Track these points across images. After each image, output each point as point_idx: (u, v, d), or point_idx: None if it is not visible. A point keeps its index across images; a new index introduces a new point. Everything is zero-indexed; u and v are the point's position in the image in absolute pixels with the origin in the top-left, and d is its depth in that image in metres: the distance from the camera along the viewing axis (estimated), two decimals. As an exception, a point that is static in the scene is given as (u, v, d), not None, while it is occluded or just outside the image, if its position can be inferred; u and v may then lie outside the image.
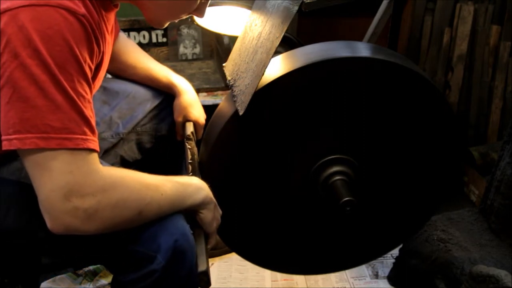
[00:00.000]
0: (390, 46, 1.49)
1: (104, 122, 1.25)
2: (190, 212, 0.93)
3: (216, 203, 0.97)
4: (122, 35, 1.30)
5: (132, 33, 2.13)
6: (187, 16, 1.00)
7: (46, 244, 0.93)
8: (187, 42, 2.22)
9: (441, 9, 1.85)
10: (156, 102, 1.31)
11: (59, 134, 0.75)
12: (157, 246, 0.88)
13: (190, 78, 2.07)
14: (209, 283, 0.87)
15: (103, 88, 1.27)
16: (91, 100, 0.81)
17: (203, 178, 1.02)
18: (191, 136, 1.21)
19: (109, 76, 1.41)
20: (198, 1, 0.95)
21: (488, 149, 1.77)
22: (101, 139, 1.24)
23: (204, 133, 1.07)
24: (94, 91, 1.00)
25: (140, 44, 2.17)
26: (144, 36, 2.16)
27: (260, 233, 1.10)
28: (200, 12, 0.99)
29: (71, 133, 0.76)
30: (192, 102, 1.30)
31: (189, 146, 1.16)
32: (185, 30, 2.19)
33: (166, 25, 1.01)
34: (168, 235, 0.88)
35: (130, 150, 1.30)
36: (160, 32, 2.17)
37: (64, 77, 0.75)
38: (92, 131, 0.79)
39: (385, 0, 1.64)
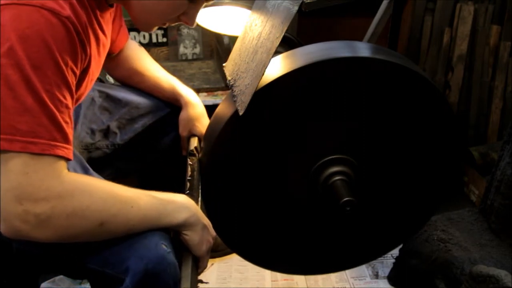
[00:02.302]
0: (390, 46, 1.50)
1: (100, 131, 1.23)
2: (175, 233, 0.90)
3: (208, 224, 0.93)
4: (132, 42, 1.28)
5: (132, 33, 2.13)
6: (177, 23, 0.97)
7: (20, 255, 0.90)
8: (187, 42, 2.22)
9: (441, 9, 1.85)
10: (160, 114, 1.28)
11: (24, 137, 0.72)
12: (125, 268, 0.83)
13: (190, 78, 2.07)
14: None
15: (106, 95, 1.25)
16: (70, 106, 0.79)
17: (204, 178, 1.02)
18: (194, 152, 1.17)
19: (111, 80, 1.40)
20: (186, 6, 0.92)
21: (488, 149, 1.77)
22: (95, 149, 1.23)
23: (204, 133, 1.07)
24: (85, 93, 0.98)
25: (140, 44, 2.17)
26: (144, 36, 2.16)
27: (260, 233, 1.10)
28: (190, 19, 0.95)
29: (37, 137, 0.73)
30: (198, 116, 1.26)
31: (190, 162, 1.12)
32: (185, 30, 2.19)
33: (154, 29, 0.98)
34: (137, 257, 0.83)
35: (128, 161, 1.28)
36: (160, 32, 2.17)
37: (39, 79, 0.73)
38: (64, 138, 0.76)
39: (385, 0, 1.64)
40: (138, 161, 1.29)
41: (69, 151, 0.77)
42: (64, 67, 0.76)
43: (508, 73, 1.83)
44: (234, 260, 1.59)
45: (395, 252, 1.43)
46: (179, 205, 0.89)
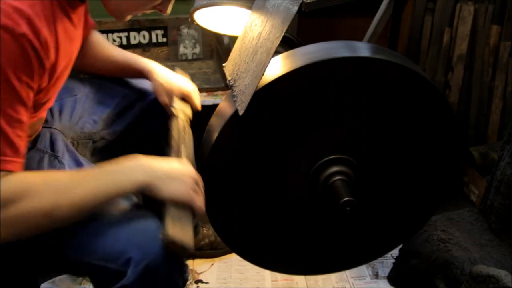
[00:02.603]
0: (390, 46, 1.49)
1: (102, 120, 1.25)
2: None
3: (177, 171, 0.91)
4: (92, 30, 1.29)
5: (132, 33, 2.13)
6: (152, 11, 0.99)
7: (17, 253, 0.93)
8: (187, 42, 2.22)
9: (441, 9, 1.85)
10: (151, 98, 1.31)
11: None
12: (126, 261, 0.85)
13: (190, 78, 2.07)
14: (185, 250, 0.84)
15: (96, 89, 1.28)
16: (24, 120, 0.80)
17: (204, 179, 1.02)
18: (178, 113, 1.21)
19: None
20: None
21: (488, 149, 1.77)
22: (100, 138, 1.25)
23: (204, 133, 1.07)
24: (56, 89, 1.00)
25: (140, 44, 2.17)
26: (144, 36, 2.16)
27: (260, 234, 1.10)
28: (164, 8, 0.99)
29: None
30: (167, 77, 1.28)
31: (173, 126, 1.15)
32: (185, 30, 2.19)
33: (129, 17, 1.00)
34: (137, 249, 0.85)
35: (128, 148, 1.30)
36: (160, 32, 2.17)
37: None
38: (15, 152, 0.78)
39: (385, 0, 1.64)
40: (137, 147, 1.31)
41: (18, 164, 0.80)
42: (16, 83, 0.77)
43: (508, 73, 1.83)
44: (234, 260, 1.59)
45: (395, 252, 1.43)
46: (131, 170, 0.88)
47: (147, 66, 1.29)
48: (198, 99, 1.32)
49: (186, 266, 0.94)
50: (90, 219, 0.89)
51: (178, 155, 1.07)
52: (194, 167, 1.03)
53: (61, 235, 0.88)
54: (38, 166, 1.02)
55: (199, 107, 1.31)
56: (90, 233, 0.89)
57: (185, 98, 1.29)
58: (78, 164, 1.07)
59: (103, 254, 0.87)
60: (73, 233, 0.89)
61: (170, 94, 1.27)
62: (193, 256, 1.57)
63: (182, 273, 0.91)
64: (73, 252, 0.89)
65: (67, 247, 0.89)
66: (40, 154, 1.04)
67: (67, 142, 1.15)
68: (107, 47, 1.30)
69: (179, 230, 0.85)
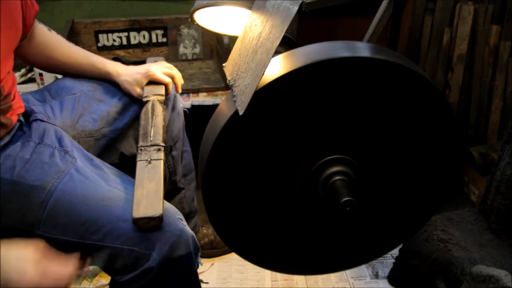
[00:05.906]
0: (390, 46, 1.50)
1: (102, 118, 1.26)
2: None
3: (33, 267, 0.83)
4: (41, 27, 1.26)
5: (132, 33, 2.13)
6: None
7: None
8: (187, 42, 2.22)
9: (441, 9, 1.85)
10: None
11: None
12: (152, 244, 0.90)
13: (190, 78, 2.07)
14: (153, 219, 0.89)
15: (95, 88, 1.29)
16: None
17: (204, 179, 1.02)
18: (149, 97, 1.24)
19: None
20: None
21: (488, 149, 1.77)
22: (101, 136, 1.25)
23: (204, 133, 1.07)
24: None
25: (140, 44, 2.17)
26: (144, 36, 2.16)
27: (260, 233, 1.10)
28: None
29: None
30: (131, 69, 1.29)
31: (142, 111, 1.20)
32: (185, 30, 2.19)
33: None
34: (162, 232, 0.91)
35: (129, 146, 1.31)
36: (160, 32, 2.17)
37: None
38: None
39: (385, 0, 1.64)
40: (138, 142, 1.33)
41: None
42: None
43: (508, 73, 1.83)
44: (234, 260, 1.60)
45: (395, 252, 1.43)
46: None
47: (111, 69, 1.30)
48: (160, 74, 1.31)
49: (199, 249, 1.00)
50: (114, 205, 0.94)
51: (146, 138, 1.12)
52: (165, 139, 1.11)
53: (86, 222, 0.93)
54: (51, 160, 1.02)
55: (164, 79, 1.31)
56: (116, 218, 0.93)
57: (152, 81, 1.30)
58: (89, 160, 1.08)
59: (128, 238, 0.91)
60: (97, 220, 0.93)
61: (140, 85, 1.29)
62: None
63: (196, 256, 0.98)
64: (96, 238, 0.93)
65: (91, 233, 0.93)
66: (50, 149, 1.05)
67: (71, 139, 1.16)
68: (64, 48, 1.29)
69: (143, 208, 0.91)
